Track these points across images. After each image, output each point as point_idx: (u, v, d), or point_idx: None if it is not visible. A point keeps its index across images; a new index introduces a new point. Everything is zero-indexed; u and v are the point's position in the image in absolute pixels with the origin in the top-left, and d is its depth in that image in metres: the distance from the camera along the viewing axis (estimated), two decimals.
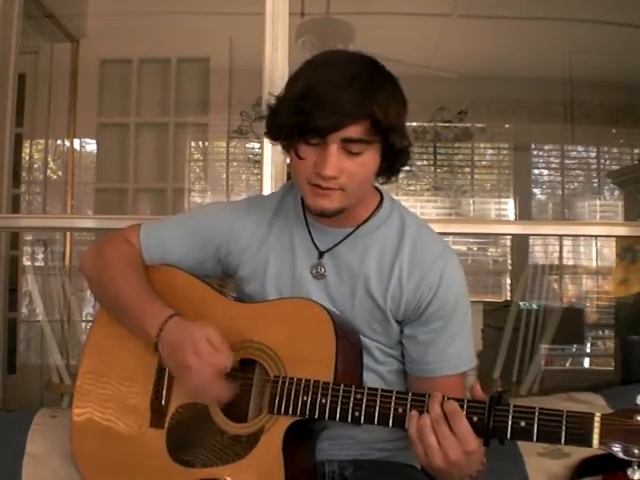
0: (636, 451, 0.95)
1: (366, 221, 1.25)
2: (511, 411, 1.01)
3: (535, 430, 0.99)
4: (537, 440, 1.00)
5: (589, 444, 0.97)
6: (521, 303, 3.50)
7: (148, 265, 1.32)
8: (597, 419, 0.97)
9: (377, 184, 1.27)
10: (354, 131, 1.08)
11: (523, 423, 1.00)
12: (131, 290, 1.23)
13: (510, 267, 5.10)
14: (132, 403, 1.25)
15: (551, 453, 1.45)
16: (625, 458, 0.95)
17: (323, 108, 1.06)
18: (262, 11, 1.96)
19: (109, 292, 1.28)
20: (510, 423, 1.01)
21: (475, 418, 1.02)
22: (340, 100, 1.06)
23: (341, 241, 1.25)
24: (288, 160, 1.29)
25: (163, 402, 1.23)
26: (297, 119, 1.09)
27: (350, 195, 1.15)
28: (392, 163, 1.18)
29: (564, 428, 0.98)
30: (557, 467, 1.43)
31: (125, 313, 1.23)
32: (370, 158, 1.13)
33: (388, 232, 1.25)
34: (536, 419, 1.00)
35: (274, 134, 1.19)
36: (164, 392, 1.23)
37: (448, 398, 1.05)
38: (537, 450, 1.45)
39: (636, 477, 0.95)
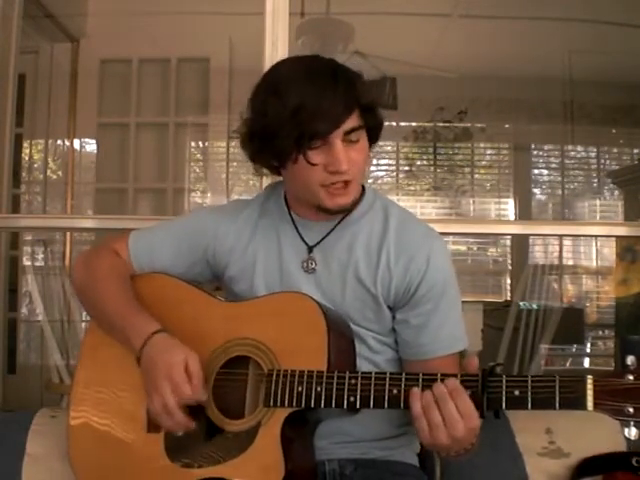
0: (630, 410, 0.96)
1: (350, 212, 1.28)
2: (504, 381, 1.03)
3: (529, 398, 1.01)
4: (532, 407, 1.01)
5: (584, 407, 0.98)
6: (521, 303, 3.50)
7: (137, 273, 1.33)
8: (590, 381, 0.98)
9: None
10: (350, 122, 1.16)
11: (517, 392, 1.01)
12: (117, 302, 1.24)
13: (510, 267, 5.11)
14: (128, 409, 1.25)
15: (551, 453, 1.45)
16: (620, 418, 0.96)
17: (321, 112, 1.13)
18: (262, 11, 1.97)
19: (96, 303, 1.29)
20: (504, 393, 1.02)
21: (469, 391, 1.04)
22: (334, 100, 1.14)
23: (329, 233, 1.28)
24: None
25: None
26: (299, 131, 1.13)
27: (357, 183, 1.23)
28: (374, 139, 1.25)
29: (558, 393, 0.99)
30: (557, 467, 1.43)
31: (112, 325, 1.24)
32: (364, 141, 1.21)
33: (373, 219, 1.28)
34: (529, 387, 1.01)
35: (272, 153, 1.20)
36: None
37: (442, 376, 1.06)
38: (537, 450, 1.45)
39: (632, 436, 0.96)
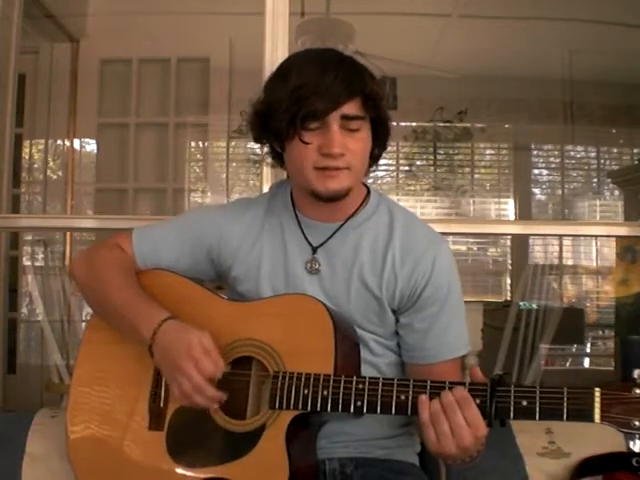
0: (637, 423, 0.97)
1: (355, 214, 1.28)
2: (512, 391, 1.03)
3: (537, 409, 1.01)
4: (540, 418, 1.01)
5: (591, 419, 0.99)
6: (521, 303, 3.50)
7: (142, 270, 1.33)
8: (597, 394, 0.99)
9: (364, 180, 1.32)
10: (350, 108, 1.16)
11: (525, 402, 1.02)
12: (124, 294, 1.24)
13: (510, 267, 5.11)
14: (129, 407, 1.25)
15: (551, 453, 1.45)
16: (626, 431, 0.98)
17: (320, 92, 1.13)
18: (262, 11, 1.97)
19: (102, 297, 1.28)
20: (512, 403, 1.02)
21: (478, 400, 1.04)
22: (334, 82, 1.14)
23: (333, 235, 1.27)
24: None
25: (162, 404, 1.23)
26: (296, 108, 1.14)
27: (354, 174, 1.20)
28: (380, 138, 1.25)
29: (565, 405, 1.00)
30: (557, 467, 1.43)
31: (119, 317, 1.23)
32: (366, 133, 1.20)
33: (378, 223, 1.28)
34: (537, 398, 1.01)
35: (271, 132, 1.21)
36: (162, 394, 1.23)
37: (450, 384, 1.06)
38: (537, 450, 1.45)
39: (637, 448, 0.97)
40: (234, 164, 4.90)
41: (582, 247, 5.10)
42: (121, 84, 4.47)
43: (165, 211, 4.44)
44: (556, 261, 4.96)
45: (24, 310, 4.17)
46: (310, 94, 1.13)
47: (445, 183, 5.12)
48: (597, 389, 0.99)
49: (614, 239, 4.29)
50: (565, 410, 1.00)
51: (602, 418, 0.98)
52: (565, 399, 1.00)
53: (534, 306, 3.48)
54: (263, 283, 1.27)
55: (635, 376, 0.99)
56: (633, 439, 0.98)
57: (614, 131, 5.06)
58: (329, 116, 1.14)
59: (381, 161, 1.32)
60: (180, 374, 1.11)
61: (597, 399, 0.99)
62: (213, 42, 4.28)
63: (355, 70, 1.18)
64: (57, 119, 4.39)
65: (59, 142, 4.57)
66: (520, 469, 1.43)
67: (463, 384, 1.06)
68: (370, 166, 1.29)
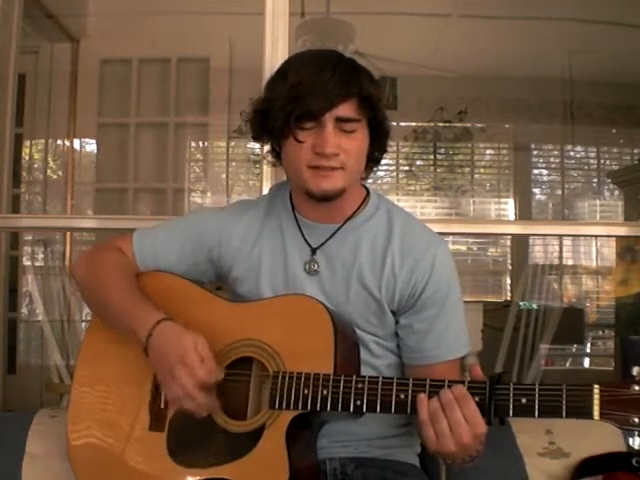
0: (636, 420, 0.97)
1: (354, 215, 1.28)
2: (511, 389, 1.03)
3: (536, 406, 1.01)
4: (539, 415, 1.01)
5: (590, 416, 0.99)
6: (521, 303, 3.51)
7: (142, 272, 1.33)
8: (596, 391, 0.99)
9: (364, 182, 1.33)
10: (345, 110, 1.16)
11: (524, 400, 1.02)
12: (122, 296, 1.24)
13: (510, 267, 5.11)
14: (130, 408, 1.25)
15: (551, 453, 1.45)
16: (626, 428, 0.98)
17: (315, 92, 1.13)
18: (262, 11, 1.97)
19: (101, 298, 1.28)
20: (511, 401, 1.03)
21: (477, 398, 1.04)
22: (330, 83, 1.14)
23: (332, 236, 1.27)
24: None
25: (162, 405, 1.23)
26: (292, 107, 1.14)
27: (349, 174, 1.20)
28: (378, 140, 1.24)
29: (564, 402, 1.00)
30: (557, 467, 1.43)
31: (116, 319, 1.24)
32: (362, 134, 1.20)
33: (377, 224, 1.28)
34: (537, 395, 1.01)
35: (268, 130, 1.22)
36: (163, 395, 1.23)
37: (449, 382, 1.06)
38: (537, 450, 1.45)
39: (637, 445, 0.97)
40: (234, 164, 4.90)
41: (582, 247, 5.11)
42: (121, 84, 4.47)
43: (165, 211, 4.44)
44: (556, 261, 4.96)
45: (24, 310, 4.17)
46: (306, 93, 1.13)
47: (445, 183, 5.12)
48: (596, 386, 0.99)
49: (614, 239, 4.30)
50: (564, 407, 1.00)
51: (601, 415, 0.98)
52: (564, 396, 1.00)
53: (534, 306, 3.48)
54: (263, 284, 1.28)
55: (634, 373, 0.99)
56: (632, 436, 0.98)
57: (614, 131, 5.06)
58: (324, 116, 1.15)
59: (381, 161, 1.32)
60: (172, 379, 1.11)
61: (596, 396, 0.99)
62: (213, 42, 4.28)
63: (352, 71, 1.18)
64: (57, 119, 4.38)
65: (59, 142, 4.56)
66: (520, 469, 1.43)
67: (462, 382, 1.06)
68: (370, 168, 1.29)
